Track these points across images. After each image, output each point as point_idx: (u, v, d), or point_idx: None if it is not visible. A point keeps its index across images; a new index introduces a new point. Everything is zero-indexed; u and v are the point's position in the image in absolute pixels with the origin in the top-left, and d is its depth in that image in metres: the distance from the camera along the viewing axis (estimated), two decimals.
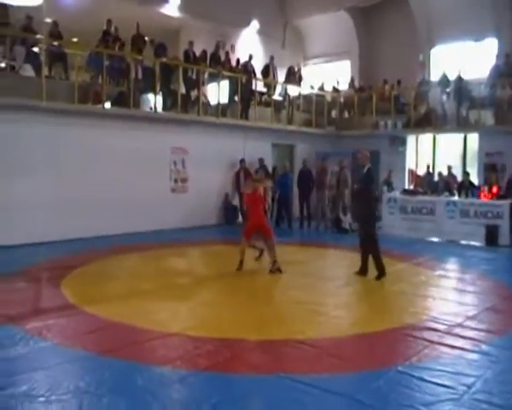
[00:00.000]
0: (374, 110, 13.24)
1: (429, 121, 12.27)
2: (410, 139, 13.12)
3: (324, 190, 11.03)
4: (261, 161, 11.78)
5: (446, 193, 9.95)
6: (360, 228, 5.92)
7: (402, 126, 12.75)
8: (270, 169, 12.14)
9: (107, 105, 9.15)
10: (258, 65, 12.56)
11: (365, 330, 3.96)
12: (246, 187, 6.49)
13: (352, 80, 14.96)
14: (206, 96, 11.46)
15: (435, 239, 9.12)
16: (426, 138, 12.90)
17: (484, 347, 3.62)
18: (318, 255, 7.54)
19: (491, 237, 8.51)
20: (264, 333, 3.87)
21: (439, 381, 3.07)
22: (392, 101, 12.78)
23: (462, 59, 13.29)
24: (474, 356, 3.46)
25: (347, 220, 10.54)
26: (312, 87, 14.08)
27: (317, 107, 13.61)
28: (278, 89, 13.24)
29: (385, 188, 10.91)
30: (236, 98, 11.45)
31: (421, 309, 4.53)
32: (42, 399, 2.78)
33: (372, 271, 5.85)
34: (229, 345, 3.60)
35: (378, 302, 4.92)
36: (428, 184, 10.97)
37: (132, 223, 9.52)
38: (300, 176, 11.44)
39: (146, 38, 10.48)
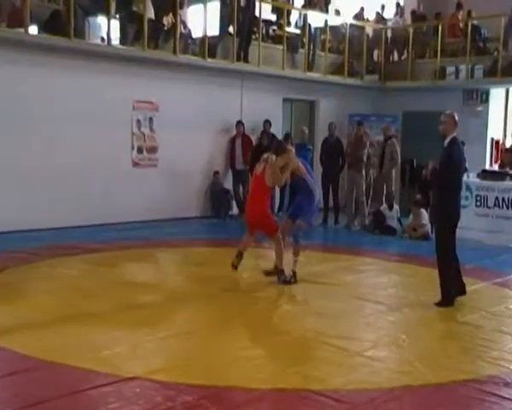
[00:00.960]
0: (439, 50, 13.13)
1: None
2: (496, 94, 13.08)
3: (360, 171, 11.00)
4: (267, 124, 11.79)
5: None
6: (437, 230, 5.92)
7: (483, 74, 12.61)
8: (279, 137, 12.16)
9: (33, 30, 8.94)
10: None
11: (418, 383, 3.93)
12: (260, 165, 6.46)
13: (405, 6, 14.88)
14: (185, 25, 11.41)
15: None
16: None
17: None
18: (349, 267, 7.56)
19: None
20: (268, 380, 3.86)
21: None
22: (469, 35, 12.57)
23: None
24: None
25: (394, 216, 10.56)
26: (345, 15, 13.97)
27: (352, 45, 13.60)
28: (294, 17, 13.20)
29: None
30: (231, 29, 11.41)
31: (507, 354, 4.51)
32: None
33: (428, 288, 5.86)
34: (216, 396, 3.60)
35: (438, 341, 4.92)
36: None
37: (73, 213, 9.57)
38: (325, 149, 11.51)
39: None
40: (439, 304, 5.74)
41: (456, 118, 5.90)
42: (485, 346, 4.70)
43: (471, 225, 9.46)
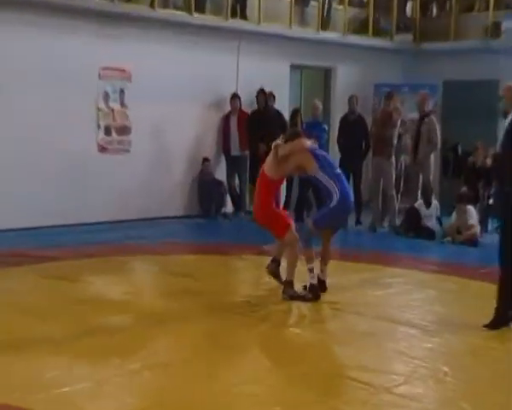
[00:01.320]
0: (492, 0, 13.08)
1: None
2: None
3: (389, 157, 10.98)
4: (270, 97, 11.75)
5: None
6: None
7: None
8: (285, 114, 12.15)
9: None
10: None
11: None
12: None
13: None
14: None
15: None
16: None
17: None
18: (375, 279, 7.54)
19: None
20: None
21: None
22: None
23: None
24: None
25: (432, 214, 10.54)
26: None
27: None
28: None
29: None
30: None
31: None
32: None
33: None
34: None
35: (490, 374, 4.86)
36: None
37: (19, 212, 9.51)
38: (344, 129, 11.52)
39: None
40: (489, 326, 5.72)
41: None
42: None
43: None
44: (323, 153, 6.75)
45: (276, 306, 6.32)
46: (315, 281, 6.52)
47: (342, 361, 4.85)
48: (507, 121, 5.88)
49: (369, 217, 11.33)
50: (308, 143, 6.64)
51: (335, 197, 6.41)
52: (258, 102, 11.66)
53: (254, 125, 11.42)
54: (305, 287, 6.53)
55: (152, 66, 10.69)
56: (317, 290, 6.47)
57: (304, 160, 6.51)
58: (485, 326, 5.72)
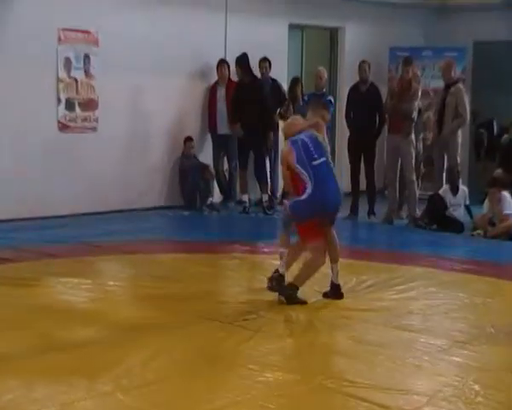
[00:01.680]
0: None
1: None
2: None
3: (408, 134, 11.02)
4: (264, 64, 11.75)
5: None
6: None
7: None
8: (284, 85, 12.16)
9: None
10: None
11: None
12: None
13: None
14: None
15: None
16: None
17: None
18: (391, 281, 7.58)
19: None
20: None
21: None
22: None
23: None
24: None
25: (460, 202, 10.58)
26: None
27: None
28: None
29: None
30: None
31: None
32: None
33: None
34: None
35: None
36: None
37: None
38: (354, 101, 11.57)
39: None
40: None
41: None
42: None
43: None
44: (304, 140, 6.79)
45: (273, 313, 6.34)
46: (283, 270, 6.68)
47: (351, 378, 4.84)
48: None
49: (385, 207, 11.36)
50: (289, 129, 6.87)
51: (308, 190, 6.58)
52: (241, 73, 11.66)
53: (234, 102, 11.47)
54: (276, 270, 6.70)
55: (123, 27, 10.70)
56: (282, 280, 6.63)
57: (285, 152, 6.83)
58: None
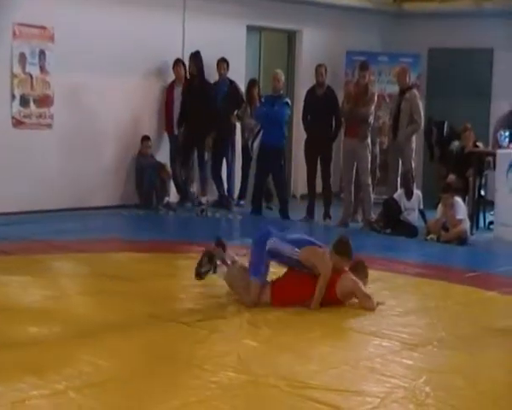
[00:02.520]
0: None
1: None
2: None
3: (364, 138, 11.11)
4: (222, 64, 11.75)
5: None
6: None
7: None
8: (242, 86, 12.17)
9: None
10: None
11: None
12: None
13: None
14: None
15: None
16: None
17: None
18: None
19: None
20: None
21: None
22: None
23: None
24: None
25: (414, 207, 10.69)
26: None
27: None
28: None
29: (503, 136, 11.09)
30: None
31: None
32: None
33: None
34: None
35: (482, 395, 4.93)
36: None
37: None
38: (310, 104, 11.59)
39: None
40: None
41: None
42: None
43: None
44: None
45: (229, 314, 6.36)
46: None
47: (304, 380, 4.86)
48: None
49: (341, 210, 11.42)
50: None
51: None
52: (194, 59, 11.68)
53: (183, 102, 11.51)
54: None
55: (79, 24, 10.65)
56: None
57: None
58: None
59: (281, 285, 6.68)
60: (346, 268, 6.74)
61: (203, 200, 11.76)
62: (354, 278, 6.69)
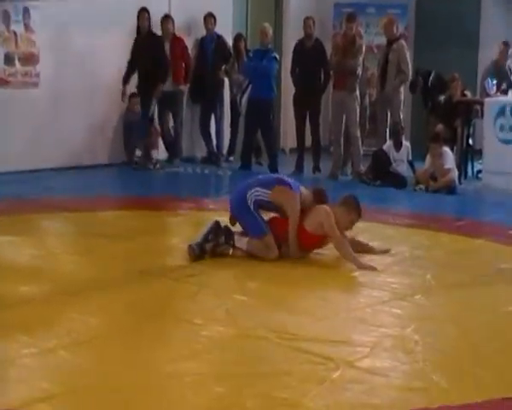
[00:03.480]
0: None
1: None
2: None
3: (352, 91, 11.03)
4: (210, 19, 11.67)
5: None
6: None
7: None
8: (229, 41, 12.08)
9: None
10: None
11: (437, 404, 3.98)
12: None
13: None
14: None
15: None
16: None
17: None
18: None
19: None
20: (214, 408, 3.88)
21: None
22: None
23: None
24: None
25: (403, 158, 10.68)
26: None
27: None
28: None
29: (490, 84, 11.05)
30: None
31: None
32: None
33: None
34: None
35: (468, 341, 4.99)
36: None
37: None
38: (299, 57, 11.57)
39: None
40: None
41: None
42: None
43: None
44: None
45: (219, 270, 6.36)
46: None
47: (294, 331, 4.88)
48: None
49: (330, 163, 11.41)
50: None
51: None
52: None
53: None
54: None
55: None
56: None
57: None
58: None
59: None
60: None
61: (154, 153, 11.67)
62: (327, 209, 6.57)
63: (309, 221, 6.53)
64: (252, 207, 6.54)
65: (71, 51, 10.82)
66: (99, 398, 3.96)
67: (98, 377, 4.22)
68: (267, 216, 6.86)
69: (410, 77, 11.52)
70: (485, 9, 13.62)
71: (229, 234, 6.60)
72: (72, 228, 7.89)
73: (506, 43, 11.99)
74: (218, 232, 6.56)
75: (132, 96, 11.44)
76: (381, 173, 10.60)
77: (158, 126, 11.67)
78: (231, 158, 12.45)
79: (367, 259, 6.67)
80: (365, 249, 6.87)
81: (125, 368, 4.34)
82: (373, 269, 6.36)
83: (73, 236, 7.67)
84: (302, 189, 6.72)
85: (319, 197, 6.74)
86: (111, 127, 11.51)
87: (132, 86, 11.51)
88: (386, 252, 6.90)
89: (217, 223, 6.61)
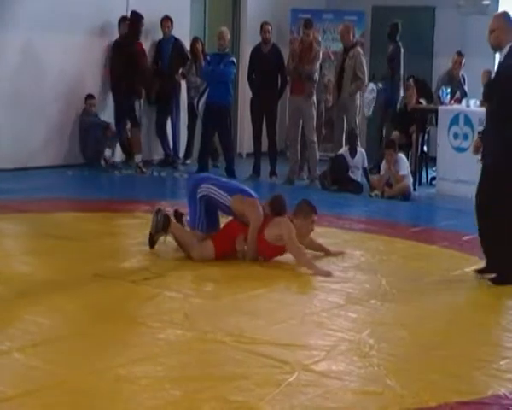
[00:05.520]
0: None
1: None
2: None
3: (309, 96, 11.08)
4: (166, 22, 11.65)
5: None
6: (483, 189, 6.20)
7: None
8: (187, 44, 12.06)
9: None
10: None
11: (392, 409, 4.04)
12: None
13: None
14: None
15: None
16: None
17: None
18: None
19: None
20: None
21: None
22: None
23: None
24: None
25: (358, 164, 10.74)
26: None
27: None
28: None
29: (444, 92, 11.18)
30: None
31: None
32: None
33: None
34: None
35: (422, 346, 5.03)
36: None
37: None
38: (256, 62, 11.58)
39: None
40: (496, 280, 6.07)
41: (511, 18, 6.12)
42: (488, 353, 4.89)
43: (473, 177, 9.74)
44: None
45: (176, 272, 6.35)
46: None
47: (251, 335, 4.89)
48: (503, 54, 6.06)
49: (287, 167, 11.43)
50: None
51: None
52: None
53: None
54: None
55: None
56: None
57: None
58: (491, 280, 6.10)
59: (220, 238, 6.65)
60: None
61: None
62: (287, 221, 6.60)
63: (269, 232, 6.55)
64: (198, 199, 6.58)
65: (28, 51, 10.70)
66: (53, 401, 3.93)
67: (53, 379, 4.18)
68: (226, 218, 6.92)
69: (366, 83, 11.60)
70: (440, 19, 13.78)
71: (166, 221, 6.62)
72: (28, 229, 7.77)
73: (460, 53, 12.15)
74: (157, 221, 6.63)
75: (88, 97, 11.35)
76: (339, 179, 10.65)
77: (114, 129, 11.57)
78: (188, 161, 12.41)
79: (323, 263, 6.72)
80: (321, 249, 6.97)
81: (80, 371, 4.30)
82: (328, 274, 6.39)
83: (28, 237, 7.57)
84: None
85: (277, 207, 6.76)
86: (67, 128, 11.36)
87: (88, 88, 11.41)
88: (340, 254, 6.97)
89: (156, 212, 6.66)
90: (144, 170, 11.38)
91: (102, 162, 11.36)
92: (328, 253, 6.97)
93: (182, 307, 5.46)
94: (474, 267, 6.57)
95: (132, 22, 11.28)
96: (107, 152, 11.54)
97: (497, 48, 6.17)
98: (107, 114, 11.69)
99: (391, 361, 4.66)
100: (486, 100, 6.81)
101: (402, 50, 12.24)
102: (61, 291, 5.71)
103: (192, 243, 6.60)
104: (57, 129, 11.28)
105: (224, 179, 7.28)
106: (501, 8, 13.13)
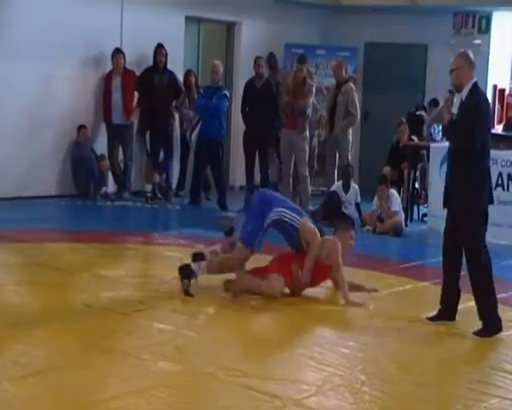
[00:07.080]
0: None
1: None
2: (500, 20, 13.52)
3: (302, 130, 11.15)
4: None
5: None
6: (450, 227, 6.35)
7: None
8: (180, 77, 12.11)
9: None
10: None
11: None
12: None
13: None
14: None
15: None
16: None
17: None
18: None
19: None
20: None
21: None
22: None
23: None
24: None
25: (351, 199, 10.76)
26: None
27: None
28: None
29: (436, 130, 11.24)
30: None
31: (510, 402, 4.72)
32: None
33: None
34: None
35: (415, 384, 5.01)
36: None
37: None
38: (249, 96, 11.61)
39: None
40: (481, 333, 5.94)
41: (472, 57, 6.13)
42: (480, 391, 4.88)
43: None
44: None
45: (166, 304, 6.34)
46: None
47: (243, 369, 4.88)
48: (463, 94, 6.04)
49: None
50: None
51: None
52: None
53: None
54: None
55: (13, 12, 10.47)
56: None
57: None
58: (478, 333, 5.95)
59: (278, 267, 6.67)
60: None
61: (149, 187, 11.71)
62: (336, 240, 6.74)
63: (323, 249, 6.66)
64: (268, 221, 6.63)
65: (22, 82, 10.68)
66: None
67: None
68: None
69: (358, 119, 11.66)
70: (432, 57, 13.88)
71: (190, 272, 6.53)
72: (19, 259, 7.77)
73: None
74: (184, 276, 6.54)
75: (80, 128, 11.35)
76: (332, 214, 10.63)
77: (107, 160, 11.58)
78: (181, 193, 12.42)
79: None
80: (356, 288, 6.94)
81: (72, 403, 4.28)
82: (359, 306, 6.50)
83: (19, 267, 7.57)
84: None
85: (321, 231, 6.91)
86: (60, 159, 11.32)
87: (81, 119, 11.42)
88: (374, 291, 6.99)
89: (180, 269, 6.56)
90: (159, 196, 11.56)
91: (99, 198, 11.33)
92: (362, 290, 6.98)
93: (173, 340, 5.46)
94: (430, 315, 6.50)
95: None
96: (104, 189, 11.54)
97: (457, 87, 6.12)
98: (101, 145, 11.68)
99: (383, 399, 4.65)
100: (448, 138, 6.83)
101: None
102: (52, 322, 5.69)
103: (261, 283, 6.56)
104: (50, 159, 11.25)
105: (288, 200, 7.35)
106: (493, 48, 13.34)
